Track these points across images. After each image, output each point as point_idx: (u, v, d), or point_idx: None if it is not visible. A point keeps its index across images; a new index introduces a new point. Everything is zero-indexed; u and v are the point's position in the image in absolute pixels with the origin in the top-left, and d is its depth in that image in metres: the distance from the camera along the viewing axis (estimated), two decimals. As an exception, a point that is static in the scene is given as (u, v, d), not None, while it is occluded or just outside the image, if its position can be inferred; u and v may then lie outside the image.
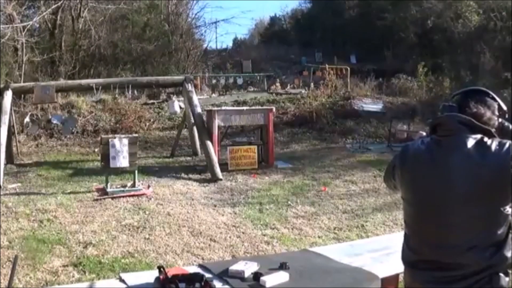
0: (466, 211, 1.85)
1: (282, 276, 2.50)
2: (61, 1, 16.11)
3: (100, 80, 11.44)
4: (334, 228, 6.09)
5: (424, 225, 1.97)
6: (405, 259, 2.06)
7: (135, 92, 12.16)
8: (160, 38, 20.29)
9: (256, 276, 2.49)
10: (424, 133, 2.25)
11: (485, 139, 1.87)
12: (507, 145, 1.84)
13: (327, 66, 17.37)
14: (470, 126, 1.90)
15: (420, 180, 1.97)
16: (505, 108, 2.01)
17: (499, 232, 1.84)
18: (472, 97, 1.99)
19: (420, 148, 2.01)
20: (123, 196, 7.31)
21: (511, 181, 1.79)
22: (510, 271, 1.88)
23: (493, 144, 1.85)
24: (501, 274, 1.83)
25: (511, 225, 1.87)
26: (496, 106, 1.99)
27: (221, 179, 8.46)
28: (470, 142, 1.87)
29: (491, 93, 2.03)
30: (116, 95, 12.02)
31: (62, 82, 12.42)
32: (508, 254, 1.84)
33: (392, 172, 2.13)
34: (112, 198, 7.24)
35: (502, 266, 1.84)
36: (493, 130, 1.92)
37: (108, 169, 7.65)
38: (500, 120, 1.99)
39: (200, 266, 2.86)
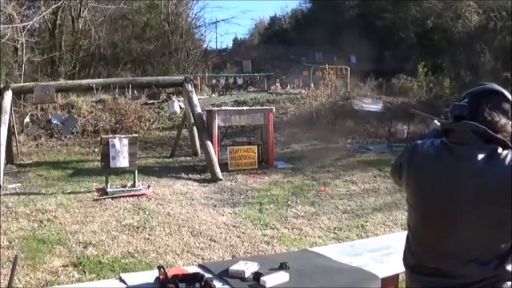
0: (469, 223, 1.78)
1: (282, 276, 2.49)
2: (61, 1, 16.12)
3: (100, 80, 11.44)
4: (334, 228, 6.09)
5: (426, 232, 1.92)
6: (406, 262, 2.02)
7: (135, 92, 12.16)
8: (160, 38, 20.31)
9: (256, 276, 2.48)
10: (439, 123, 2.16)
11: (499, 150, 1.78)
12: None
13: (327, 66, 17.37)
14: (484, 136, 1.80)
15: (425, 186, 1.91)
16: None
17: (503, 245, 1.77)
18: (486, 101, 1.85)
19: (428, 151, 1.91)
20: (123, 196, 7.31)
21: None
22: None
23: (507, 156, 1.76)
24: (506, 281, 1.78)
25: None
26: (510, 109, 1.86)
27: (221, 179, 8.46)
28: (482, 153, 1.78)
29: (505, 92, 1.90)
30: (116, 95, 12.04)
31: (62, 82, 12.39)
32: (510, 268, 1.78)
33: (399, 171, 2.04)
34: (112, 198, 7.24)
35: (505, 277, 1.78)
36: (507, 138, 1.81)
37: (108, 169, 7.65)
38: None
39: (200, 266, 2.85)
